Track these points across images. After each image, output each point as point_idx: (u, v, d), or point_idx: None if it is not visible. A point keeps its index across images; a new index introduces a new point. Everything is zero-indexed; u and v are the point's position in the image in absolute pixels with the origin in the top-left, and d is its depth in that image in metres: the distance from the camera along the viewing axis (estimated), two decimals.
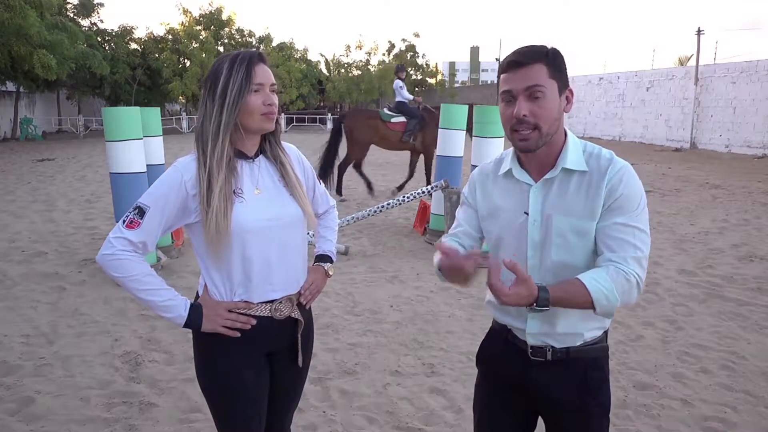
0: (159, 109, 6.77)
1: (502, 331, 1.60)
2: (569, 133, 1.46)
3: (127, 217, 1.54)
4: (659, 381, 3.29)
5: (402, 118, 9.57)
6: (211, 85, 1.54)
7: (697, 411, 2.97)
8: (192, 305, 1.59)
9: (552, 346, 1.49)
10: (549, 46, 1.39)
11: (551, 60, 1.36)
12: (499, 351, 1.60)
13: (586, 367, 1.50)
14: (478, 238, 1.64)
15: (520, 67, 1.35)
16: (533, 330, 1.49)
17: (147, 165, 5.33)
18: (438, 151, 6.95)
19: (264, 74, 1.55)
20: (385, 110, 9.90)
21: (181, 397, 3.08)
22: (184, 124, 28.16)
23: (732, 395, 3.14)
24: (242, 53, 1.55)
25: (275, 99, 1.58)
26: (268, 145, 1.67)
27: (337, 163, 9.44)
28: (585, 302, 1.34)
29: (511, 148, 1.52)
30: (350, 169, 9.57)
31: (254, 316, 1.61)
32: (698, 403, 3.04)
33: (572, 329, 1.47)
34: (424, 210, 7.10)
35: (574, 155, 1.43)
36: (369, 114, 10.11)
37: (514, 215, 1.48)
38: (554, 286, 1.34)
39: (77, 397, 3.08)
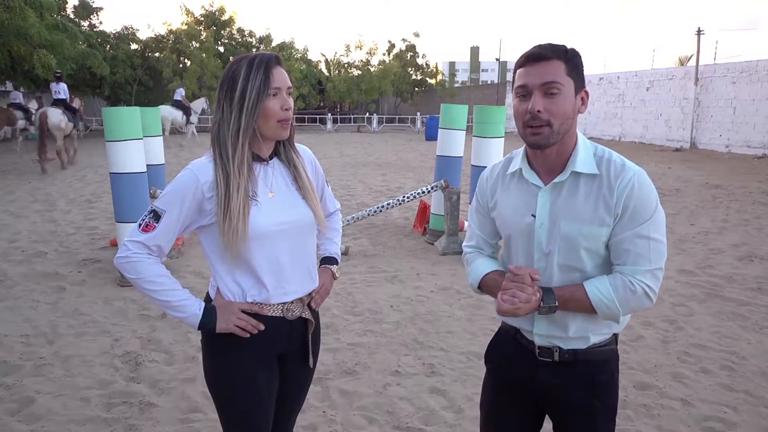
0: (159, 109, 6.77)
1: (511, 331, 1.61)
2: (580, 135, 1.45)
3: (142, 220, 1.54)
4: (659, 381, 3.29)
5: None
6: (229, 88, 1.51)
7: (697, 411, 2.97)
8: (206, 306, 1.59)
9: (559, 347, 1.49)
10: (569, 46, 1.38)
11: (570, 58, 1.36)
12: (508, 350, 1.61)
13: (594, 370, 1.49)
14: (495, 243, 1.65)
15: (538, 62, 1.34)
16: (541, 331, 1.50)
17: (147, 165, 5.33)
18: (438, 151, 6.92)
19: (281, 78, 1.53)
20: None
21: (181, 397, 3.08)
22: None
23: (732, 395, 3.13)
24: (259, 56, 1.52)
25: (291, 102, 1.57)
26: (282, 148, 1.66)
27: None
28: (588, 307, 1.42)
29: (521, 148, 1.51)
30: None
31: (267, 317, 1.61)
32: (698, 403, 3.05)
33: (579, 332, 1.47)
34: (423, 210, 7.10)
35: (584, 158, 1.41)
36: None
37: (521, 217, 1.48)
38: (559, 288, 1.43)
39: (77, 397, 3.08)
